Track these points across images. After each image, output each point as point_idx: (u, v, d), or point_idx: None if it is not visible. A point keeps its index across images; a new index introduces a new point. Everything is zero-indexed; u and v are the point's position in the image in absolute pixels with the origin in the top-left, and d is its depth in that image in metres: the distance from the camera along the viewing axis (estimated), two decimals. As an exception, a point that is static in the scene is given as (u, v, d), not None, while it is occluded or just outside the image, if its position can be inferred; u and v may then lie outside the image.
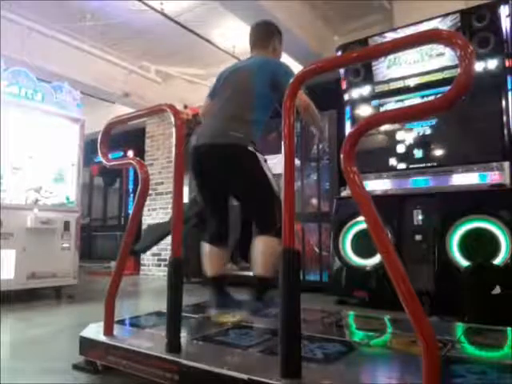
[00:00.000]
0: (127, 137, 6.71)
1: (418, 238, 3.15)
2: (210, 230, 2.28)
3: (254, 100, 2.14)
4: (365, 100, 3.67)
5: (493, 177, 2.94)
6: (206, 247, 2.26)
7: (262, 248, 2.08)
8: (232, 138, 2.07)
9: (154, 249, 6.25)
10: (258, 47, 2.35)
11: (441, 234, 2.99)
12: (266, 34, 2.37)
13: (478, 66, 3.03)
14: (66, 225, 3.82)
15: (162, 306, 1.66)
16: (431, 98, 3.16)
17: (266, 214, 2.10)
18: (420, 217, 3.18)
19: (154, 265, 6.22)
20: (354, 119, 3.71)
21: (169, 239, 1.64)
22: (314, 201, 4.42)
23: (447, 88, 1.00)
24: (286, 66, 2.17)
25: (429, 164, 3.27)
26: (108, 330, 1.72)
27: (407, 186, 3.33)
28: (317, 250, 4.27)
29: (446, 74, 3.22)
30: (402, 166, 3.41)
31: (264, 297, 2.14)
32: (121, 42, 5.19)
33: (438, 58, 3.31)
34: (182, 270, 1.59)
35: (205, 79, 5.87)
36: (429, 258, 3.04)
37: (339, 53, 3.77)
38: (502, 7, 3.07)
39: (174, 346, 1.48)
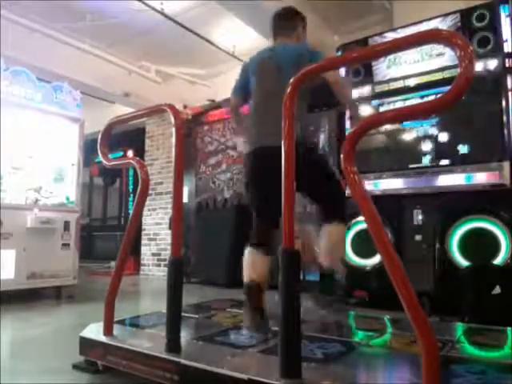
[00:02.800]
0: (127, 137, 6.71)
1: (418, 238, 3.15)
2: (257, 234, 2.21)
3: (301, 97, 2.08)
4: (365, 100, 3.67)
5: (493, 177, 2.94)
6: (249, 251, 2.17)
7: (334, 236, 2.02)
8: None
9: (154, 249, 6.26)
10: (281, 35, 2.22)
11: (441, 234, 2.99)
12: (290, 22, 2.24)
13: (478, 66, 3.03)
14: (66, 225, 3.82)
15: (162, 306, 1.66)
16: (431, 97, 3.16)
17: (333, 202, 2.06)
18: (420, 217, 3.18)
19: (154, 265, 6.22)
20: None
21: (169, 239, 1.65)
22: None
23: (447, 88, 1.00)
24: (316, 52, 2.07)
25: (429, 164, 3.27)
26: (108, 330, 1.72)
27: (407, 186, 3.33)
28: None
29: (446, 74, 3.22)
30: (402, 165, 3.40)
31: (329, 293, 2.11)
32: (121, 42, 5.19)
33: (437, 58, 3.31)
34: (182, 270, 1.59)
35: (205, 79, 5.88)
36: (429, 258, 3.04)
37: (339, 53, 3.77)
38: (501, 7, 3.06)
39: (173, 346, 1.48)
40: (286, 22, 2.26)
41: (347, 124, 3.63)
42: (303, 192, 2.14)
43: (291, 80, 1.31)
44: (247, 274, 2.13)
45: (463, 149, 3.13)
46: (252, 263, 2.13)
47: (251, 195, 2.17)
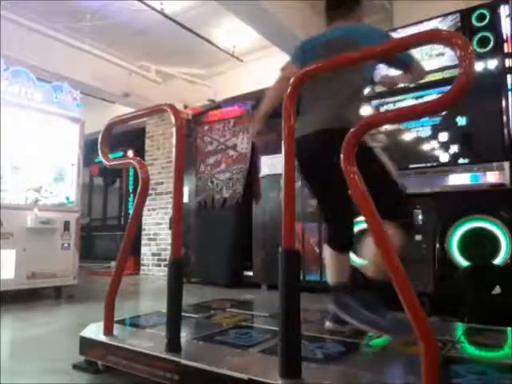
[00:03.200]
0: (127, 137, 6.71)
1: (418, 238, 3.15)
2: (334, 232, 2.06)
3: (360, 79, 1.96)
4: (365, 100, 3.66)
5: (493, 177, 2.94)
6: (328, 251, 2.00)
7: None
8: (346, 122, 1.74)
9: (154, 249, 6.26)
10: (341, 17, 2.05)
11: (441, 234, 2.99)
12: (349, 3, 2.09)
13: (478, 66, 3.03)
14: (66, 225, 3.82)
15: (162, 306, 1.66)
16: (431, 97, 3.15)
17: (391, 202, 1.84)
18: (420, 217, 3.18)
19: (154, 265, 6.22)
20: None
21: (169, 239, 1.64)
22: (314, 201, 4.41)
23: (447, 88, 1.00)
24: (387, 34, 1.98)
25: (428, 164, 3.27)
26: (108, 330, 1.72)
27: (407, 186, 3.33)
28: (317, 249, 4.26)
29: (446, 74, 3.22)
30: (402, 165, 3.40)
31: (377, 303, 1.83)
32: (121, 42, 5.19)
33: (437, 58, 3.31)
34: (182, 270, 1.59)
35: (205, 79, 5.88)
36: (429, 258, 3.04)
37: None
38: (502, 7, 3.07)
39: (173, 345, 1.48)
40: (346, 3, 2.08)
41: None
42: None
43: (291, 80, 1.30)
44: (328, 276, 1.99)
45: (463, 149, 3.13)
46: (332, 264, 1.98)
47: (312, 183, 2.03)
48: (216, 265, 4.90)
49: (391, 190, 1.91)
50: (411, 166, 3.36)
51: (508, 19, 3.05)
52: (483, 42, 3.09)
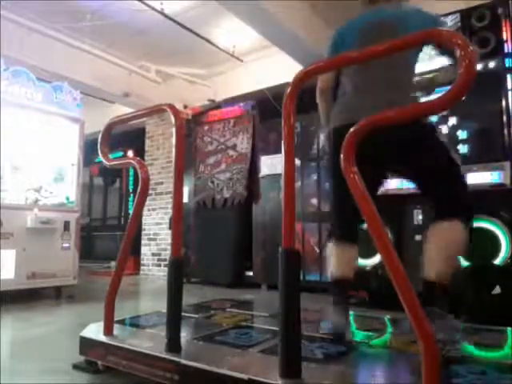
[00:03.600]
0: (127, 137, 6.71)
1: (418, 238, 3.14)
2: (342, 224, 1.91)
3: (411, 65, 1.85)
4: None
5: (493, 177, 2.94)
6: (335, 244, 1.86)
7: (446, 240, 1.61)
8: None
9: (154, 249, 6.26)
10: None
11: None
12: None
13: (478, 66, 3.03)
14: (66, 225, 3.82)
15: (162, 306, 1.66)
16: (431, 97, 3.15)
17: (453, 194, 1.68)
18: (420, 217, 3.18)
19: (154, 265, 6.22)
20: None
21: (169, 239, 1.64)
22: (314, 201, 4.42)
23: (447, 88, 1.00)
24: (437, 17, 1.86)
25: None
26: (108, 330, 1.72)
27: (407, 186, 3.33)
28: (317, 249, 4.26)
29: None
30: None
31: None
32: (121, 42, 5.19)
33: (437, 58, 3.30)
34: (182, 270, 1.59)
35: (205, 79, 5.88)
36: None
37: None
38: (501, 7, 3.06)
39: (173, 345, 1.48)
40: None
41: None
42: (411, 178, 1.87)
43: (292, 79, 1.30)
44: (333, 270, 1.87)
45: (463, 149, 3.13)
46: (338, 257, 1.85)
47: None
48: (216, 265, 4.90)
49: (456, 180, 1.72)
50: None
51: (508, 19, 3.05)
52: (483, 42, 3.08)
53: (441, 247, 1.62)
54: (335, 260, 1.85)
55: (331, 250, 1.88)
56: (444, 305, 1.65)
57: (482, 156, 2.99)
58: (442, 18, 1.86)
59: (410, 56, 1.79)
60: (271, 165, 4.66)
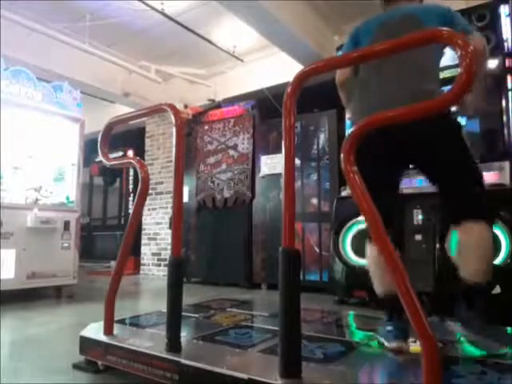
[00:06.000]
0: (127, 137, 6.71)
1: (418, 238, 3.14)
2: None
3: (433, 61, 1.83)
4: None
5: (493, 177, 2.93)
6: (375, 252, 1.63)
7: (477, 240, 1.58)
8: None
9: (154, 248, 6.26)
10: None
11: (441, 234, 2.98)
12: None
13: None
14: (66, 224, 3.82)
15: (162, 306, 1.66)
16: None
17: (474, 193, 1.66)
18: (420, 217, 3.18)
19: (154, 264, 6.22)
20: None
21: (169, 239, 1.64)
22: (314, 201, 4.42)
23: (448, 88, 1.00)
24: (456, 13, 1.81)
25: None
26: (108, 330, 1.72)
27: (407, 186, 3.33)
28: (317, 249, 4.26)
29: (446, 74, 3.22)
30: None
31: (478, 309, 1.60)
32: (121, 42, 5.19)
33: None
34: (182, 270, 1.59)
35: (205, 79, 5.87)
36: (429, 258, 3.04)
37: (339, 53, 3.77)
38: (502, 7, 3.07)
39: (173, 345, 1.48)
40: None
41: (347, 124, 3.62)
42: (432, 176, 1.83)
43: (292, 79, 1.30)
44: (377, 285, 1.71)
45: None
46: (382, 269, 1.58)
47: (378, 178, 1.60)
48: (216, 264, 4.90)
49: (476, 182, 1.69)
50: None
51: (508, 19, 3.05)
52: (483, 41, 3.08)
53: (477, 247, 1.58)
54: (379, 272, 1.67)
55: (372, 257, 1.70)
56: (483, 305, 1.61)
57: (482, 156, 2.99)
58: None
59: (428, 53, 1.74)
60: (271, 165, 4.66)
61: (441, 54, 1.87)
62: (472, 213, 1.61)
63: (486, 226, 1.60)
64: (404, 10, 1.84)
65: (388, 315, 1.65)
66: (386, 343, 1.56)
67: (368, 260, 1.75)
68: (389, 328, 1.60)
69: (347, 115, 2.09)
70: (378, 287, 1.69)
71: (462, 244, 1.61)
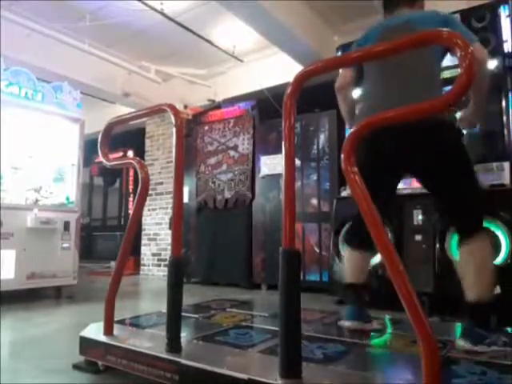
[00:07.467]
0: (127, 137, 6.71)
1: (418, 238, 3.15)
2: (354, 230, 1.99)
3: (434, 67, 1.86)
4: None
5: (493, 177, 2.93)
6: (347, 250, 1.98)
7: (476, 257, 1.63)
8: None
9: (154, 249, 6.26)
10: (403, 5, 1.96)
11: (441, 233, 2.98)
12: None
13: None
14: (66, 225, 3.82)
15: (162, 306, 1.66)
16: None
17: (472, 207, 1.69)
18: (420, 217, 3.18)
19: (154, 265, 6.22)
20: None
21: (169, 239, 1.64)
22: (314, 201, 4.42)
23: (448, 88, 1.00)
24: (452, 17, 1.86)
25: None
26: (108, 330, 1.72)
27: (407, 186, 3.33)
28: (317, 250, 4.26)
29: (446, 74, 3.22)
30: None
31: (487, 323, 1.64)
32: (121, 42, 5.19)
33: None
34: (182, 270, 1.59)
35: (205, 79, 5.88)
36: (429, 258, 3.04)
37: (339, 53, 3.77)
38: (501, 7, 3.07)
39: (174, 345, 1.48)
40: None
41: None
42: (429, 187, 1.86)
43: (292, 79, 1.30)
44: (346, 275, 1.97)
45: (463, 149, 3.13)
46: (349, 263, 1.98)
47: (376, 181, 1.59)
48: (216, 265, 4.90)
49: (477, 196, 1.74)
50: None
51: (508, 19, 3.05)
52: (483, 42, 3.08)
53: (475, 269, 1.64)
54: (347, 265, 1.96)
55: (345, 254, 2.00)
56: (493, 322, 1.70)
57: (482, 156, 2.99)
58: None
59: (428, 55, 1.78)
60: (271, 165, 4.66)
61: (441, 60, 1.91)
62: (469, 229, 1.67)
63: (485, 237, 1.67)
64: (404, 18, 1.87)
65: (352, 301, 1.91)
66: (346, 323, 1.85)
67: (347, 263, 1.97)
68: (349, 311, 1.89)
69: (345, 122, 2.15)
70: (348, 278, 1.94)
71: (465, 267, 1.67)
